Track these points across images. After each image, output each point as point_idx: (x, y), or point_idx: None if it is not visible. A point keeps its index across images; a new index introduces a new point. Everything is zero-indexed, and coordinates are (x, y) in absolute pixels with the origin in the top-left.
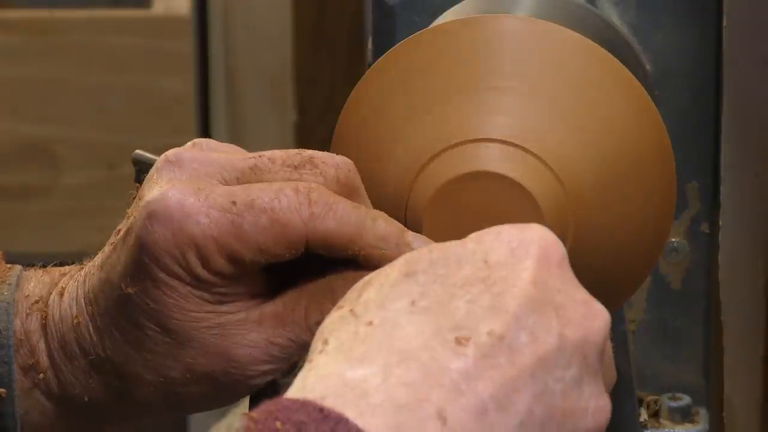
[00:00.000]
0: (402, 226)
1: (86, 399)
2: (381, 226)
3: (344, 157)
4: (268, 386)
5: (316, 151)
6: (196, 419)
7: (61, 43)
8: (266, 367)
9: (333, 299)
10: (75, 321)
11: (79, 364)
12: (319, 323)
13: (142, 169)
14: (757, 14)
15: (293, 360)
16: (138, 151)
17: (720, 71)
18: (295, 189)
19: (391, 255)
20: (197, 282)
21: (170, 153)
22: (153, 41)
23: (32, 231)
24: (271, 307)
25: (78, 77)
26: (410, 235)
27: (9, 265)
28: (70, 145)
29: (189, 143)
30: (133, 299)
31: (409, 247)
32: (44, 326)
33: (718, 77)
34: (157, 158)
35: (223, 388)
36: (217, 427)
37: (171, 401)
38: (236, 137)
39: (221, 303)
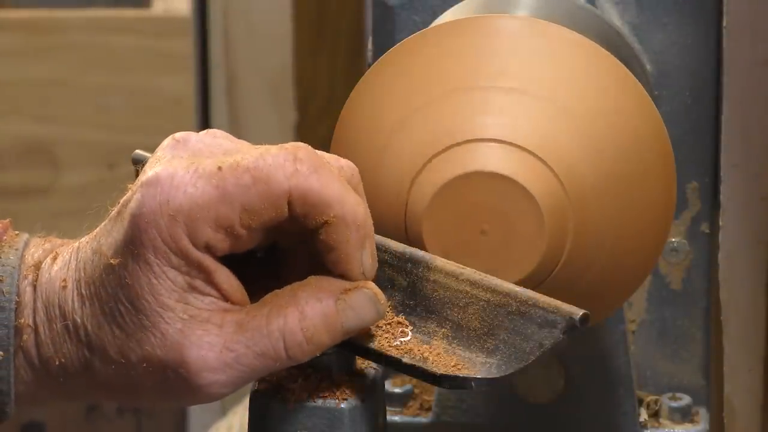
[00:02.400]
0: (371, 231)
1: (57, 363)
2: (362, 209)
3: (350, 161)
4: (270, 388)
5: (323, 151)
6: (195, 419)
7: (61, 43)
8: (218, 377)
9: (296, 305)
10: (62, 284)
11: (55, 327)
12: (280, 329)
13: (142, 168)
14: (757, 14)
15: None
16: (138, 151)
17: (720, 71)
18: (282, 147)
19: (353, 243)
20: (181, 259)
21: (179, 133)
22: (153, 41)
23: (32, 231)
24: (236, 314)
25: (78, 77)
26: (368, 245)
27: (16, 232)
28: (70, 145)
29: (204, 131)
30: (115, 270)
31: (365, 251)
32: (34, 287)
33: (718, 77)
34: None
35: (176, 389)
36: (217, 427)
37: (128, 388)
38: (236, 137)
39: (192, 291)
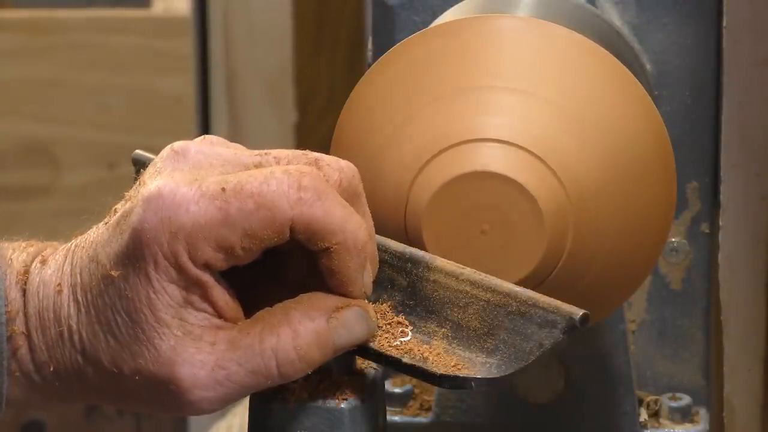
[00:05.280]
0: (375, 249)
1: (51, 368)
2: (362, 234)
3: (350, 163)
4: (270, 388)
5: (323, 153)
6: (195, 420)
7: (61, 43)
8: (208, 394)
9: (289, 324)
10: (57, 289)
11: (50, 332)
12: (272, 348)
13: (141, 169)
14: (757, 14)
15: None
16: (138, 151)
17: (720, 71)
18: (286, 172)
19: (354, 267)
20: (179, 275)
21: (177, 144)
22: (153, 41)
23: (32, 231)
24: (228, 332)
25: (78, 77)
26: (369, 266)
27: None
28: (70, 145)
29: (199, 137)
30: (115, 282)
31: (366, 272)
32: (24, 292)
33: (718, 77)
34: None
35: (166, 402)
36: (217, 427)
37: (120, 396)
38: (236, 137)
39: (188, 306)
